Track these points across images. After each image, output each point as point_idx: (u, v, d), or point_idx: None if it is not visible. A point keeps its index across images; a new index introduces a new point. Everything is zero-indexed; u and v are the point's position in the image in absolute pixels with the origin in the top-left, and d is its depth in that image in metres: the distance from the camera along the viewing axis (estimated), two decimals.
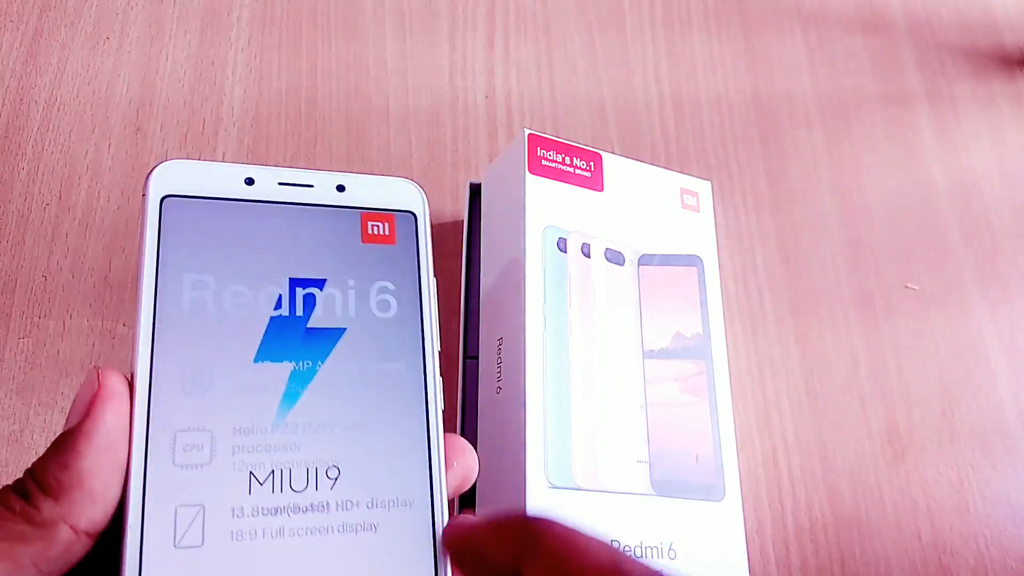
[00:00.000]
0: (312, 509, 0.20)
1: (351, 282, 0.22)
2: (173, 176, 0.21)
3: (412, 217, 0.23)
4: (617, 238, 0.35)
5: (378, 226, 0.23)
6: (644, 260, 0.35)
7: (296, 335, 0.21)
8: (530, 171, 0.34)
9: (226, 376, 0.20)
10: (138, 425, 0.19)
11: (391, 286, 0.22)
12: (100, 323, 0.40)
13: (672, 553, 0.30)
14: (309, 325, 0.21)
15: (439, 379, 0.22)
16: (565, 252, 0.34)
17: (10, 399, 0.38)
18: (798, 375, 0.45)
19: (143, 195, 0.21)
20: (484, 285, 0.36)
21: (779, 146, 0.51)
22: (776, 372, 0.45)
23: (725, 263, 0.47)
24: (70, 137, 0.44)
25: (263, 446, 0.20)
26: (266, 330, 0.21)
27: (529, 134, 0.35)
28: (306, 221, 0.22)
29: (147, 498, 0.18)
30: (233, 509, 0.19)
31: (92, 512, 0.17)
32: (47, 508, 0.17)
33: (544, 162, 0.35)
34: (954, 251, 0.51)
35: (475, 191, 0.40)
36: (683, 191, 0.38)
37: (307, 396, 0.21)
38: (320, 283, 0.22)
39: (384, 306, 0.22)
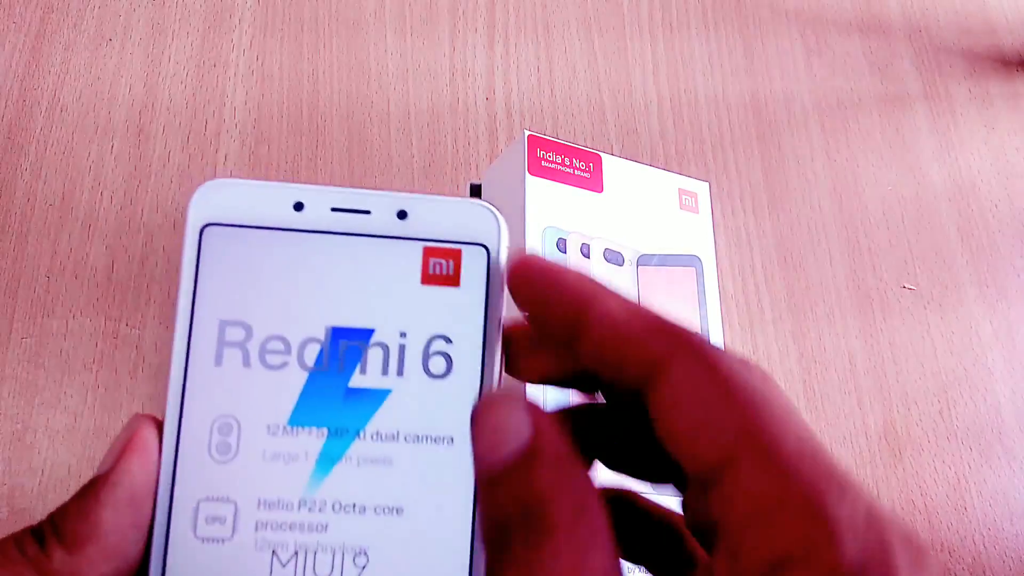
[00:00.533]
0: None
1: (403, 333, 0.19)
2: (217, 199, 0.19)
3: (484, 252, 0.20)
4: (616, 238, 0.35)
5: (441, 264, 0.20)
6: (643, 260, 0.36)
7: (335, 396, 0.19)
8: (530, 172, 0.34)
9: (256, 440, 0.18)
10: (163, 486, 0.18)
11: (450, 340, 0.19)
12: (103, 323, 0.40)
13: None
14: (351, 384, 0.19)
15: None
16: (565, 252, 0.34)
17: (13, 399, 0.38)
18: (796, 374, 0.46)
19: (184, 219, 0.19)
20: None
21: (777, 147, 0.52)
22: (774, 371, 0.45)
23: (723, 263, 0.47)
24: (72, 138, 0.44)
25: (288, 524, 0.18)
26: (304, 388, 0.19)
27: (529, 135, 0.35)
28: (359, 255, 0.19)
29: (167, 571, 0.17)
30: None
31: (105, 569, 0.16)
32: (59, 559, 0.16)
33: (544, 163, 0.35)
34: (951, 251, 0.51)
35: (475, 192, 0.40)
36: (682, 192, 0.38)
37: (340, 469, 0.18)
38: (366, 334, 0.19)
39: (438, 364, 0.19)
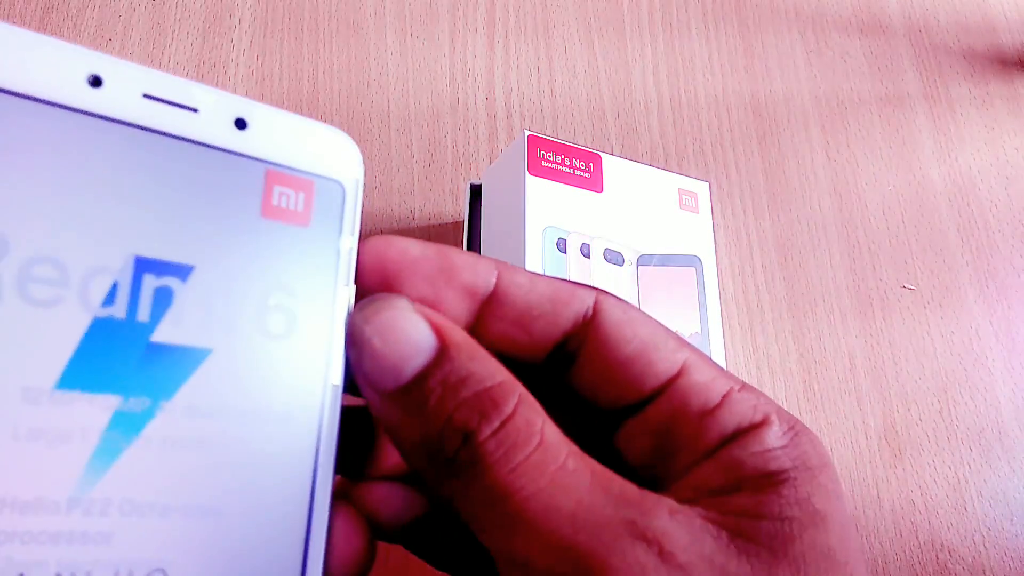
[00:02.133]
0: None
1: (233, 277, 0.14)
2: None
3: (339, 190, 0.15)
4: (616, 238, 0.35)
5: (288, 195, 0.15)
6: (643, 260, 0.36)
7: (132, 352, 0.13)
8: (530, 172, 0.34)
9: (5, 408, 0.12)
10: None
11: (293, 292, 0.15)
12: None
13: None
14: (154, 339, 0.13)
15: (334, 445, 0.15)
16: (565, 252, 0.34)
17: None
18: (796, 374, 0.46)
19: None
20: None
21: (777, 147, 0.52)
22: (774, 371, 0.45)
23: (723, 263, 0.47)
24: None
25: (50, 535, 0.12)
26: (83, 338, 0.13)
27: (529, 135, 0.35)
28: (178, 165, 0.14)
29: None
30: None
31: None
32: None
33: (544, 163, 0.35)
34: (951, 251, 0.51)
35: (475, 192, 0.40)
36: (682, 192, 0.38)
37: (133, 454, 0.13)
38: (184, 271, 0.14)
39: (277, 321, 0.14)
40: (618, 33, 0.53)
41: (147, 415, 0.13)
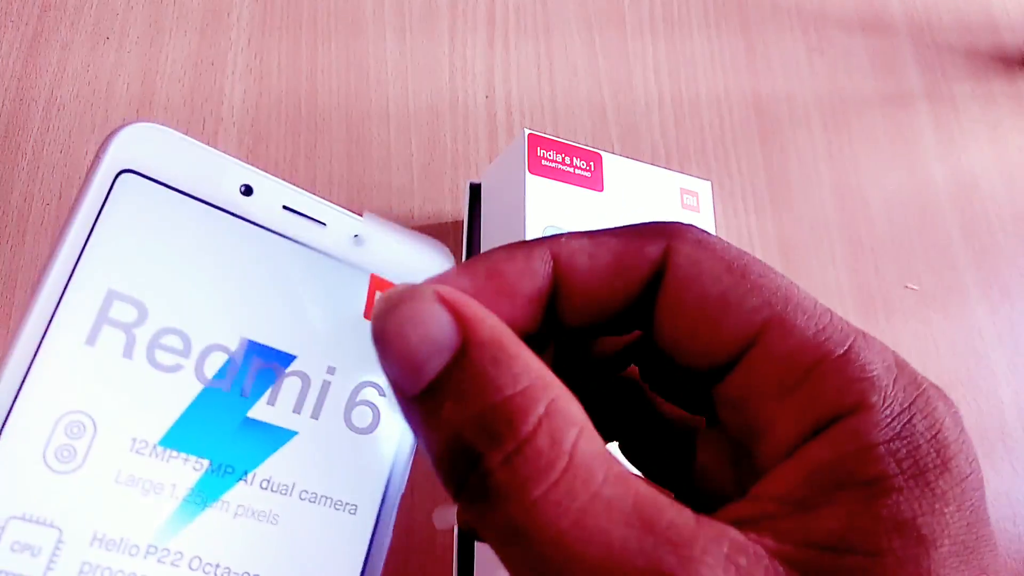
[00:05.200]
0: None
1: (330, 369, 0.15)
2: (149, 145, 0.15)
3: None
4: None
5: None
6: None
7: (229, 422, 0.14)
8: (530, 171, 0.34)
9: (113, 453, 0.14)
10: None
11: (383, 391, 0.16)
12: None
13: None
14: (251, 414, 0.15)
15: (387, 540, 0.16)
16: None
17: None
18: None
19: (96, 156, 0.14)
20: None
21: (779, 146, 0.51)
22: None
23: None
24: (70, 137, 0.44)
25: (125, 574, 0.13)
26: (193, 403, 0.14)
27: (529, 134, 0.35)
28: (301, 268, 0.16)
29: None
30: None
31: None
32: None
33: (544, 162, 0.35)
34: (954, 251, 0.51)
35: (475, 191, 0.40)
36: (683, 191, 0.38)
37: (212, 515, 0.14)
38: (286, 359, 0.15)
39: (362, 416, 0.16)
40: (619, 31, 0.53)
41: (231, 482, 0.14)
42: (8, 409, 0.13)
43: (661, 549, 0.11)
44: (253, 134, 0.45)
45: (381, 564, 0.15)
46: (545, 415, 0.11)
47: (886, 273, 0.49)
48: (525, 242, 0.14)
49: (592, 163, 0.36)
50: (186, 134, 0.17)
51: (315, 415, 0.15)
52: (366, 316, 0.15)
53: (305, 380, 0.15)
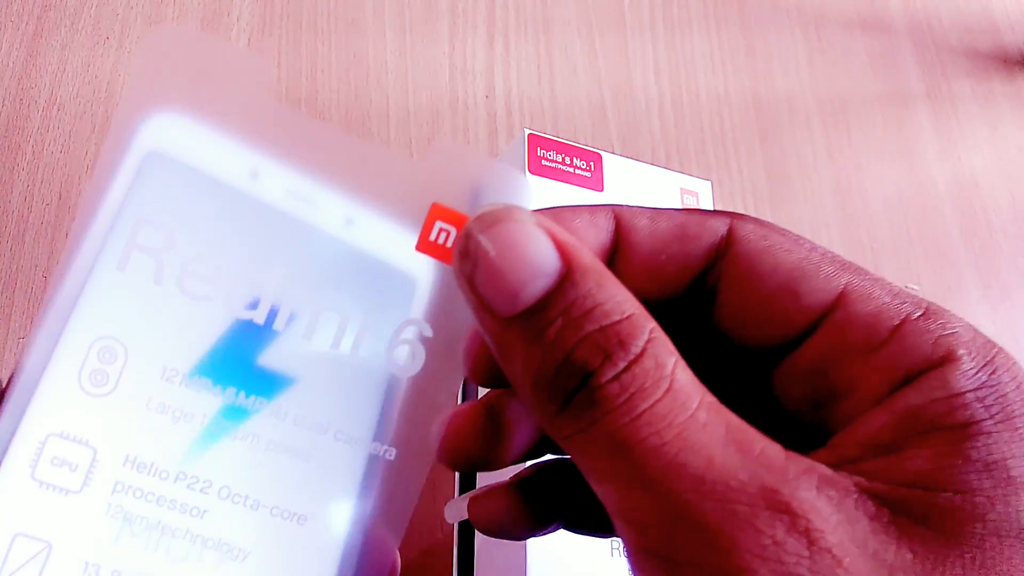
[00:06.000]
0: None
1: (372, 305, 0.15)
2: (167, 132, 0.15)
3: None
4: None
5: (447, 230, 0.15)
6: None
7: (261, 356, 0.15)
8: (530, 171, 0.34)
9: (144, 379, 0.14)
10: (11, 407, 0.14)
11: (425, 328, 0.16)
12: None
13: None
14: (283, 348, 0.15)
15: (421, 483, 0.16)
16: None
17: None
18: None
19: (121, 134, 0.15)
20: None
21: (779, 146, 0.51)
22: None
23: None
24: (70, 137, 0.44)
25: (157, 496, 0.14)
26: (223, 335, 0.15)
27: (529, 134, 0.35)
28: (313, 243, 0.16)
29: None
30: (87, 563, 0.14)
31: None
32: None
33: (544, 162, 0.35)
34: (954, 251, 0.51)
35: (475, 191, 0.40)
36: (683, 191, 0.38)
37: (239, 448, 0.15)
38: (324, 292, 0.15)
39: (402, 355, 0.16)
40: (619, 31, 0.53)
41: (260, 417, 0.15)
42: (60, 332, 0.14)
43: (760, 469, 0.11)
44: None
45: (412, 507, 0.15)
46: (649, 340, 0.12)
47: (886, 273, 0.49)
48: (584, 204, 0.15)
49: (592, 163, 0.36)
50: None
51: (352, 352, 0.15)
52: (419, 248, 0.15)
53: (344, 316, 0.15)
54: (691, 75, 0.52)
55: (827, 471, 0.11)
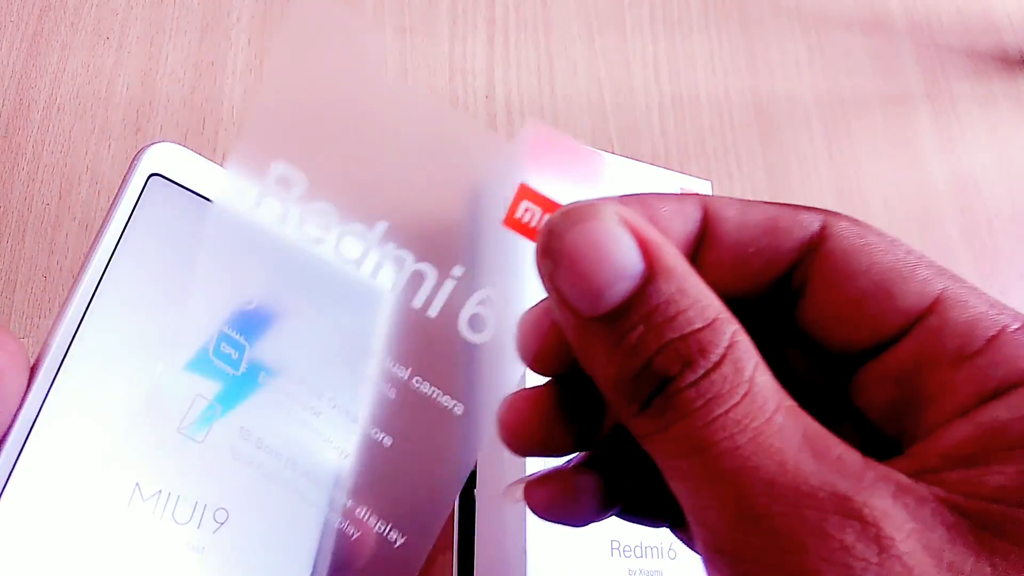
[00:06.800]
0: (190, 549, 0.16)
1: (457, 270, 0.16)
2: (169, 161, 0.16)
3: None
4: None
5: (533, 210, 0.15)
6: None
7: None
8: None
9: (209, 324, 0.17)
10: (33, 399, 0.16)
11: (496, 300, 0.16)
12: None
13: (672, 553, 0.30)
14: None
15: (484, 438, 0.17)
16: None
17: None
18: None
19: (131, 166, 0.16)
20: None
21: (779, 146, 0.51)
22: None
23: None
24: (70, 137, 0.44)
25: (159, 461, 0.16)
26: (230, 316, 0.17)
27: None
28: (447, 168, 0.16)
29: (13, 477, 0.15)
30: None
31: None
32: None
33: None
34: (954, 251, 0.51)
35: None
36: (683, 191, 0.38)
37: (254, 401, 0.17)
38: (415, 250, 0.16)
39: (478, 322, 0.16)
40: (619, 31, 0.53)
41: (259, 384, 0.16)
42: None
43: (834, 475, 0.11)
44: None
45: (475, 460, 0.16)
46: (730, 346, 0.12)
47: None
48: (672, 192, 0.15)
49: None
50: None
51: (432, 312, 0.15)
52: (506, 223, 0.15)
53: (431, 274, 0.16)
54: (691, 75, 0.52)
55: (905, 479, 0.11)
